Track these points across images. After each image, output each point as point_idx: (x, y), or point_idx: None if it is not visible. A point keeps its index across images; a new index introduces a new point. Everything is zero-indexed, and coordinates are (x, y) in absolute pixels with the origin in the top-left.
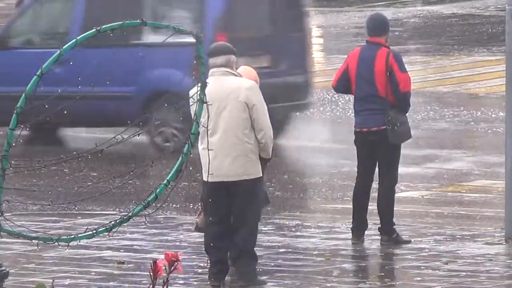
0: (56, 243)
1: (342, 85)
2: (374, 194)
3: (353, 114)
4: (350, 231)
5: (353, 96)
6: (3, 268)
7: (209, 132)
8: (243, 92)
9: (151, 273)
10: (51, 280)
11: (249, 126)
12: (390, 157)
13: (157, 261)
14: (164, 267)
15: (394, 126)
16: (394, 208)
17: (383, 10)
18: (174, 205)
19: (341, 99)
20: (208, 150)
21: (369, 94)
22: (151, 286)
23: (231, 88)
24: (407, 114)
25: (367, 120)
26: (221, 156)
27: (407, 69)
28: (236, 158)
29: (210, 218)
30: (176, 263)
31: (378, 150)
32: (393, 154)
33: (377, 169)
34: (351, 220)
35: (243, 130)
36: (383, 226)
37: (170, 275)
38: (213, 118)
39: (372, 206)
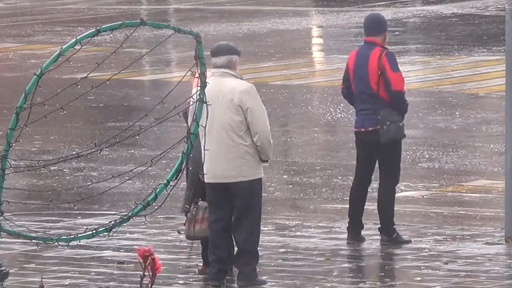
0: (56, 243)
1: (346, 87)
2: (374, 194)
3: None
4: (346, 231)
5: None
6: (3, 268)
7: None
8: (237, 95)
9: (143, 268)
10: (51, 280)
11: (245, 128)
12: (389, 156)
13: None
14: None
15: (383, 125)
16: (394, 208)
17: (383, 10)
18: (174, 205)
19: (340, 98)
20: (204, 150)
21: (364, 94)
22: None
23: (226, 90)
24: (406, 113)
25: (364, 120)
26: (217, 157)
27: (407, 69)
28: (231, 160)
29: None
30: (149, 258)
31: (377, 150)
32: (392, 153)
33: (377, 168)
34: (348, 220)
35: (238, 132)
36: (383, 226)
37: (168, 275)
38: (208, 120)
39: (372, 206)
